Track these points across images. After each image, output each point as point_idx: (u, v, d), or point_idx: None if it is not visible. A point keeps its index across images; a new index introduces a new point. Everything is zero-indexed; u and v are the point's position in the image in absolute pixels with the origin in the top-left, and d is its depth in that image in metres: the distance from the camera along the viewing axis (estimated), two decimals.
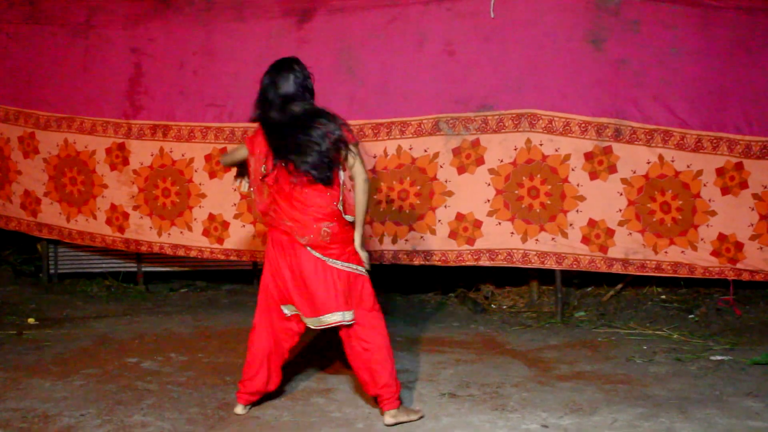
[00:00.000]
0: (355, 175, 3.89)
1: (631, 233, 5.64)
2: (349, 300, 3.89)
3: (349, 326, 3.91)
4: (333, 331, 4.07)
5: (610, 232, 5.66)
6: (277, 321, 4.03)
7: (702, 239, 5.55)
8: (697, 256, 5.56)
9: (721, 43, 5.50)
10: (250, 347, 4.08)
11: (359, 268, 3.95)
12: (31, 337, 5.56)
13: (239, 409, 4.06)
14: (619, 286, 6.41)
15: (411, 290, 6.88)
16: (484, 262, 5.88)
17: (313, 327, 3.97)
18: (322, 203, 3.86)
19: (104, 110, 6.55)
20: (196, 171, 6.36)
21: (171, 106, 6.40)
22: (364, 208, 3.92)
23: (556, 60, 5.69)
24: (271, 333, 4.04)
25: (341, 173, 3.91)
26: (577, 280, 6.56)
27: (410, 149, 5.91)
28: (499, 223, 5.81)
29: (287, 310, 4.01)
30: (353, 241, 3.94)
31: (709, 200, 5.52)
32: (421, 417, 3.93)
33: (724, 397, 4.17)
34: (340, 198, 3.89)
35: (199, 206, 6.38)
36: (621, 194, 5.64)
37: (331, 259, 3.88)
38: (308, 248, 3.87)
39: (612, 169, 5.63)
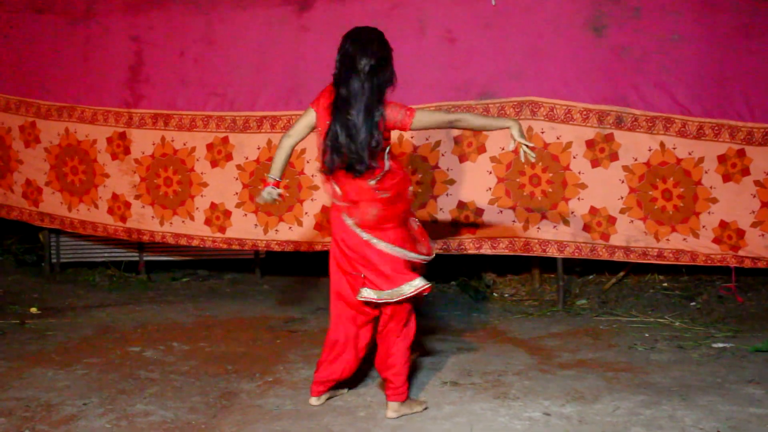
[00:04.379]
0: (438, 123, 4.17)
1: (632, 221, 5.64)
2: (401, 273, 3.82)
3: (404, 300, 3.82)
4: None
5: (612, 220, 5.66)
6: (344, 307, 3.99)
7: (704, 226, 5.54)
8: (698, 244, 5.55)
9: (722, 29, 5.46)
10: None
11: (409, 254, 3.87)
12: (33, 327, 5.58)
13: (313, 401, 4.04)
14: (621, 273, 6.41)
15: None
16: (486, 250, 5.87)
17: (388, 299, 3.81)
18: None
19: (105, 99, 6.54)
20: (197, 160, 6.35)
21: (172, 95, 6.39)
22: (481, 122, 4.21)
23: (557, 47, 5.67)
24: (339, 319, 4.01)
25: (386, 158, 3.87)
26: (579, 267, 6.57)
27: (412, 138, 5.90)
28: (501, 211, 5.81)
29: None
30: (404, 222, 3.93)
31: (711, 187, 5.51)
32: (426, 408, 3.92)
33: (726, 384, 4.18)
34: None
35: (201, 195, 6.37)
36: (623, 182, 5.63)
37: (375, 239, 3.82)
38: (356, 228, 3.85)
39: (614, 156, 5.62)
